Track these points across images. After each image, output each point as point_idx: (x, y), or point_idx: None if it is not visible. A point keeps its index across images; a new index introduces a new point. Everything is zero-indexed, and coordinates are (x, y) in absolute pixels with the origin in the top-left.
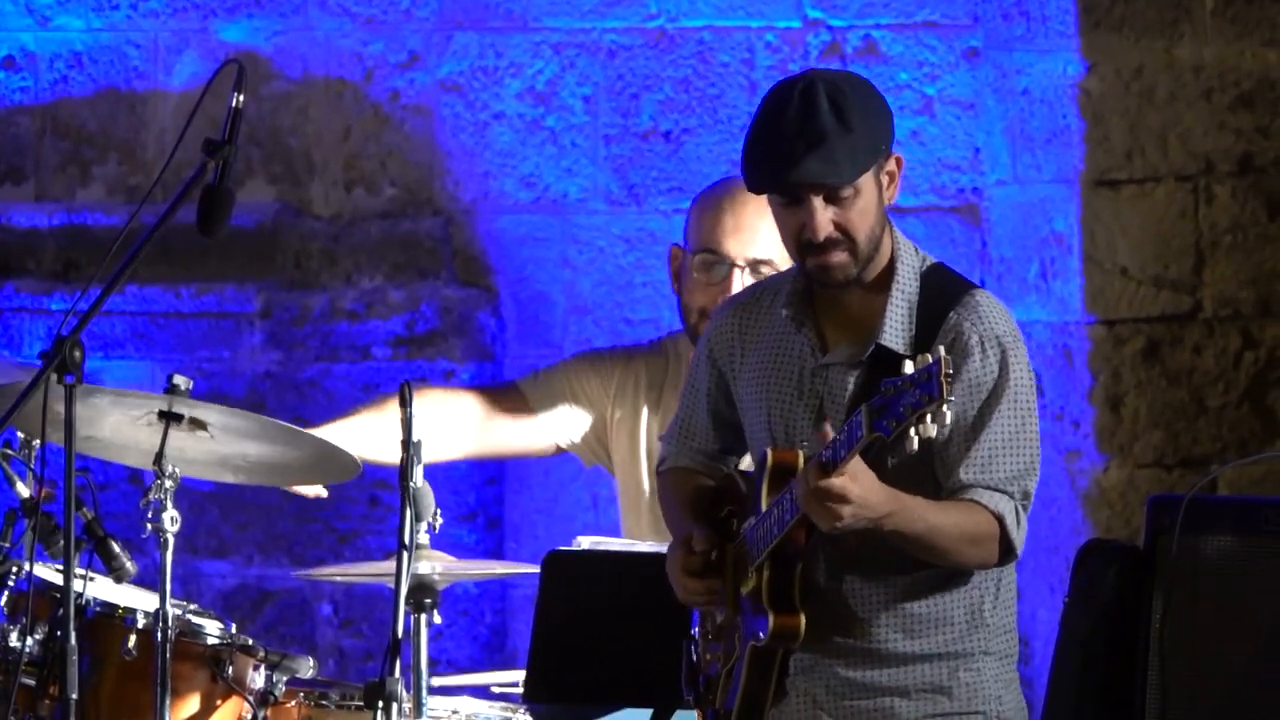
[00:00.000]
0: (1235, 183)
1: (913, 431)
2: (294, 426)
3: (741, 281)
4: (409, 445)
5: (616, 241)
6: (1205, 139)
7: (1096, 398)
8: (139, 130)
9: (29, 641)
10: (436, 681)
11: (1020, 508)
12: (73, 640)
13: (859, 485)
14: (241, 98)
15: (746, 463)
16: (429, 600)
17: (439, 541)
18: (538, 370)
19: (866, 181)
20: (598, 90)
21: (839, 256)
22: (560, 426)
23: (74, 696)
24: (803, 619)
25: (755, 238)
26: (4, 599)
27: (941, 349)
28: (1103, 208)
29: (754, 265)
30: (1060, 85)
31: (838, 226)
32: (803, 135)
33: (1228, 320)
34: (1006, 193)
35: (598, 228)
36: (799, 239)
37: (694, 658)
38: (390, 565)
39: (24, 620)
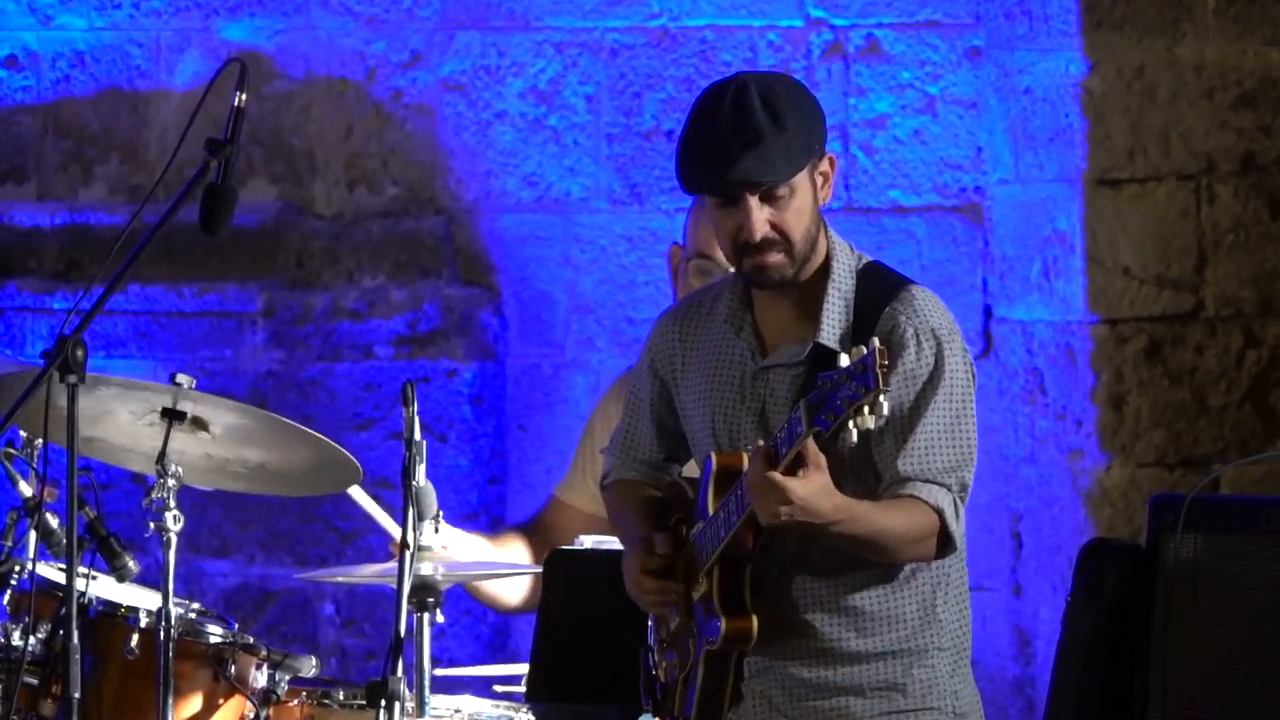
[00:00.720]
0: (1237, 182)
1: (851, 424)
2: (298, 425)
3: None
4: (411, 444)
5: (619, 241)
6: (1207, 138)
7: (1098, 397)
8: (141, 129)
9: (31, 640)
10: (440, 673)
11: (958, 499)
12: (75, 639)
13: (805, 489)
14: (244, 97)
15: (689, 469)
16: (431, 599)
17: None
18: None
19: (801, 181)
20: (600, 89)
21: (775, 257)
22: (600, 502)
23: (76, 695)
24: (755, 621)
25: None
26: (7, 598)
27: (876, 340)
28: (1105, 207)
29: None
30: (1062, 84)
31: (774, 226)
32: (738, 135)
33: (1230, 319)
34: (1009, 192)
35: (600, 227)
36: (735, 240)
37: (650, 667)
38: (392, 566)
39: (26, 619)
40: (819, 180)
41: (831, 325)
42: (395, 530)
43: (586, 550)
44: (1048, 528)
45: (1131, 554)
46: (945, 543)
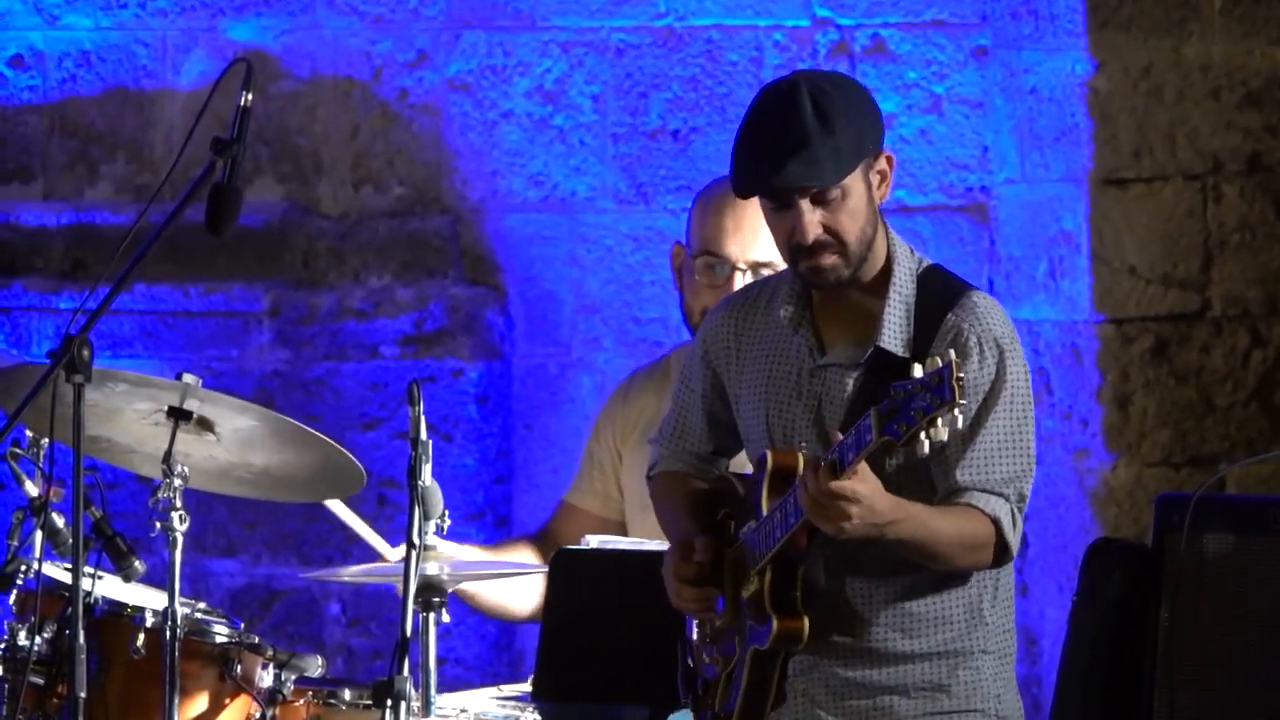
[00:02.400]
0: (1243, 181)
1: (923, 435)
2: (304, 426)
3: (743, 284)
4: (417, 444)
5: (625, 240)
6: (1213, 138)
7: (1105, 396)
8: (147, 129)
9: (37, 640)
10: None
11: (1016, 510)
12: (81, 639)
13: (867, 487)
14: (249, 96)
15: (737, 464)
16: (437, 599)
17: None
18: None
19: (854, 182)
20: (606, 89)
21: (830, 259)
22: (611, 503)
23: (82, 695)
24: (806, 622)
25: (756, 240)
26: (12, 598)
27: (952, 352)
28: (1111, 207)
29: (755, 267)
30: (1068, 84)
31: (826, 229)
32: (785, 138)
33: (1236, 319)
34: (1015, 191)
35: (606, 226)
36: (790, 242)
37: (689, 661)
38: (398, 565)
39: (32, 619)
40: (875, 180)
41: (893, 329)
42: (382, 547)
43: (593, 550)
44: (1054, 527)
45: (1137, 554)
46: (1002, 552)
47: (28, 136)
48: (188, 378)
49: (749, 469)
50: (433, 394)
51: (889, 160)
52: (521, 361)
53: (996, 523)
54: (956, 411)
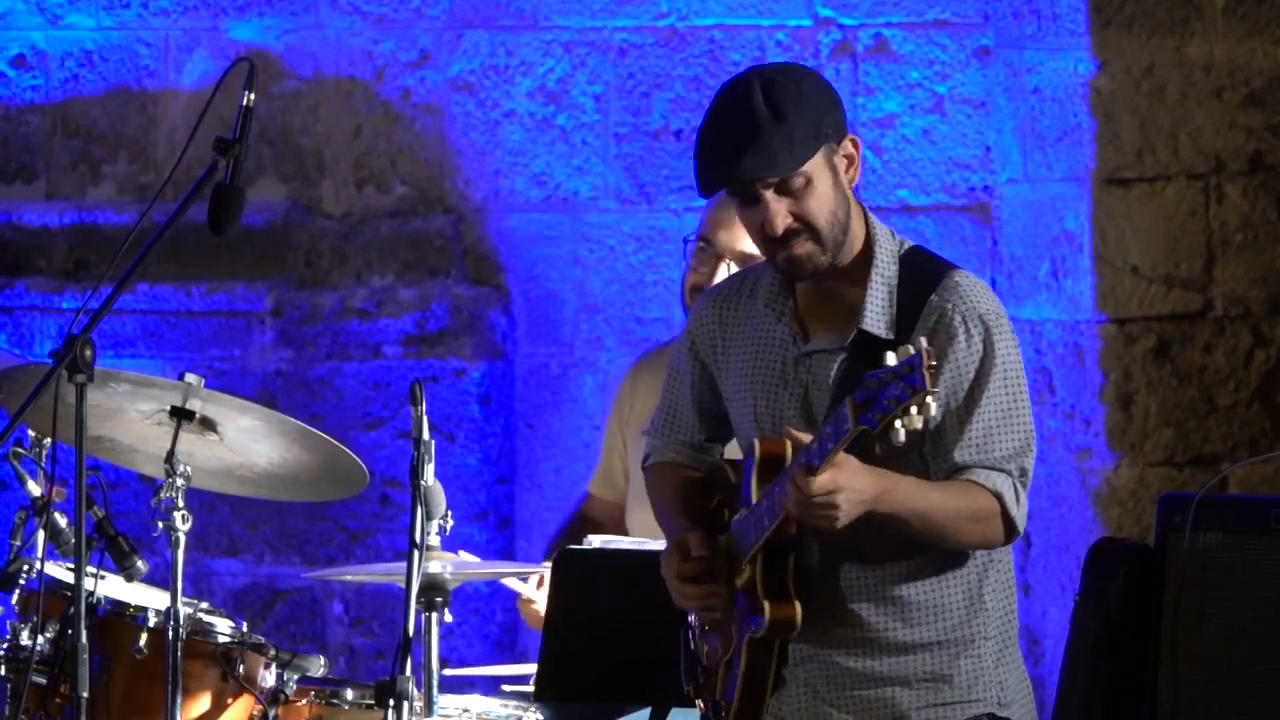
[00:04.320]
0: (1246, 181)
1: (898, 424)
2: (306, 425)
3: (726, 273)
4: (420, 443)
5: (627, 240)
6: (1216, 137)
7: (1107, 396)
8: (149, 129)
9: (40, 640)
10: (449, 674)
11: (1019, 485)
12: (83, 639)
13: (844, 472)
14: (252, 96)
15: (730, 450)
16: (440, 599)
17: (450, 541)
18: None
19: (816, 168)
20: (608, 89)
21: (804, 246)
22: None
23: (84, 695)
24: (799, 608)
25: (745, 233)
26: (15, 597)
27: (923, 340)
28: (1113, 206)
29: (741, 259)
30: (1071, 84)
31: (796, 217)
32: (738, 132)
33: (1238, 319)
34: (1017, 191)
35: (608, 226)
36: (763, 236)
37: (691, 646)
38: (400, 565)
39: (35, 619)
40: (842, 164)
41: (875, 311)
42: (518, 585)
43: (595, 550)
44: (1056, 527)
45: (1140, 553)
46: (1009, 527)
47: (30, 136)
48: (190, 377)
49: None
50: (435, 394)
51: (854, 143)
52: (524, 361)
53: (999, 496)
54: (931, 400)
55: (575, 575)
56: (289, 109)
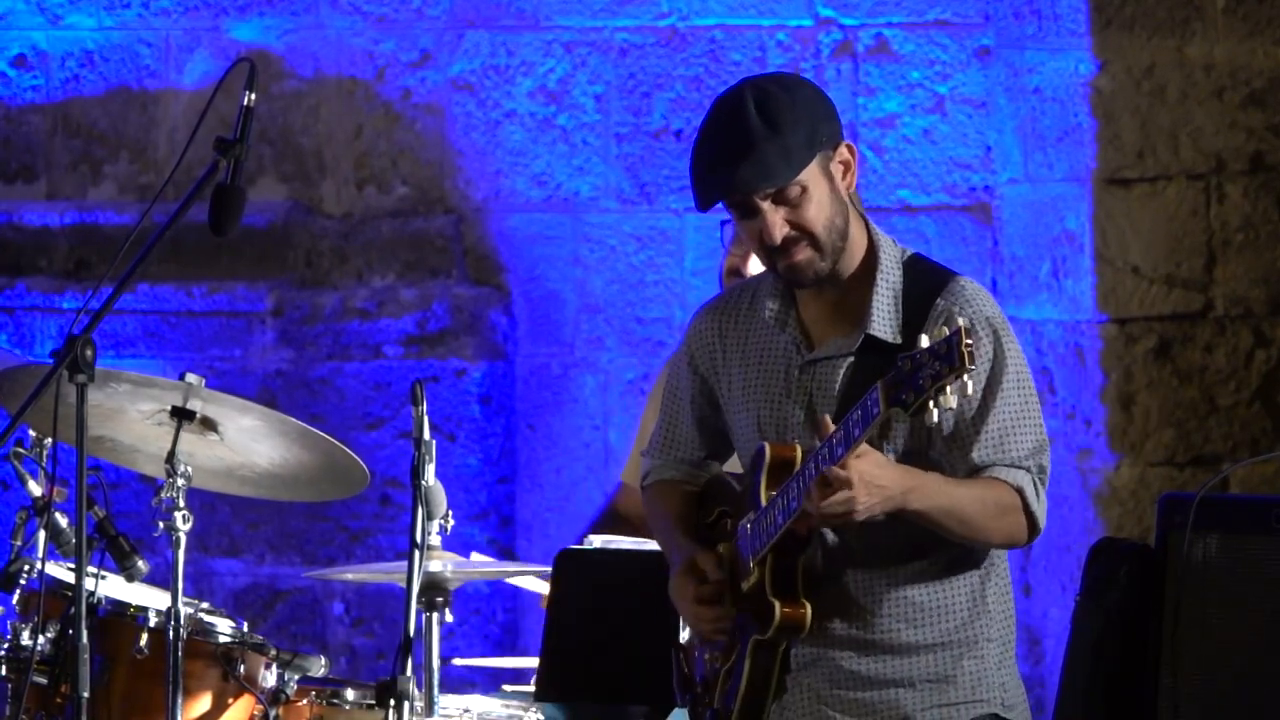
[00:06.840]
0: (1246, 181)
1: (932, 404)
2: (307, 425)
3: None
4: (421, 443)
5: (628, 240)
6: (1216, 137)
7: (1108, 396)
8: (150, 129)
9: (40, 640)
10: (459, 663)
11: (1039, 481)
12: (84, 639)
13: (865, 463)
14: (253, 96)
15: (729, 468)
16: (441, 599)
17: (451, 541)
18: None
19: (812, 176)
20: (609, 89)
21: (803, 253)
22: None
23: (85, 695)
24: (809, 609)
25: None
26: (16, 597)
27: (961, 319)
28: (1114, 206)
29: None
30: (1072, 84)
31: (793, 225)
32: (733, 145)
33: (1239, 319)
34: (1018, 191)
35: (609, 226)
36: (762, 246)
37: (684, 667)
38: (401, 564)
39: (36, 619)
40: (838, 171)
41: (882, 316)
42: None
43: (595, 550)
44: (1057, 527)
45: (1141, 553)
46: (1030, 523)
47: (31, 136)
48: (191, 377)
49: (740, 472)
50: (436, 394)
51: (850, 150)
52: (525, 361)
53: (1020, 491)
54: (967, 378)
55: (575, 575)
56: (290, 109)
